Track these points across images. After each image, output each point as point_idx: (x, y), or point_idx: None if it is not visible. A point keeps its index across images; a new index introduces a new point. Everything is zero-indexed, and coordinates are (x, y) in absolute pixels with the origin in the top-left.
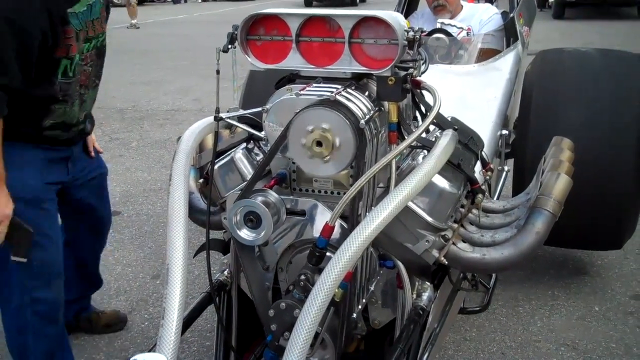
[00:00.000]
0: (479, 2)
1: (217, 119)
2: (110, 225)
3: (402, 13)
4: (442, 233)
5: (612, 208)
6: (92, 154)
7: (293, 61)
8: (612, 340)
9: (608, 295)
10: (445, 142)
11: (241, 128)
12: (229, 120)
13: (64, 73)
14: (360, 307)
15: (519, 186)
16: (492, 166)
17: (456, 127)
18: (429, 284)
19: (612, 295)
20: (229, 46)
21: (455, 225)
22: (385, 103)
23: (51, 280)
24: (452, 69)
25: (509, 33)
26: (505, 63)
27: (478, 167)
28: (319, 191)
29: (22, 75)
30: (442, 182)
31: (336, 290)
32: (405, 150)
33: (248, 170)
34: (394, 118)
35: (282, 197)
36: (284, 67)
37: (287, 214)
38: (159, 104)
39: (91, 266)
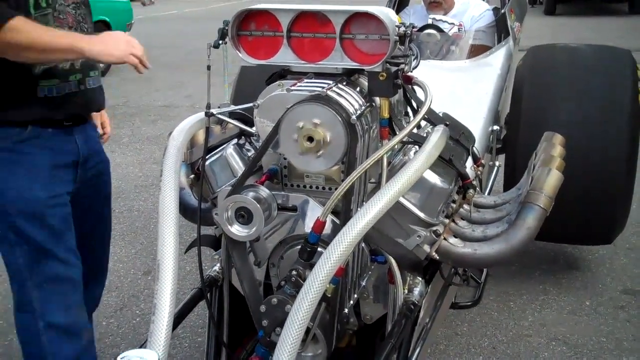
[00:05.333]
0: None
1: (208, 114)
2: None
3: (393, 9)
4: (434, 228)
5: (602, 203)
6: (106, 135)
7: (284, 57)
8: (603, 334)
9: (599, 290)
10: (436, 137)
11: (232, 124)
12: (220, 116)
13: (35, 4)
14: (351, 302)
15: (510, 181)
16: (483, 161)
17: (447, 122)
18: (420, 279)
19: (602, 289)
20: (220, 42)
21: (447, 221)
22: (377, 99)
23: (67, 304)
24: (443, 64)
25: (500, 29)
26: (496, 59)
27: (469, 162)
28: (311, 187)
29: None
30: (433, 178)
31: (328, 286)
32: (396, 146)
33: (239, 166)
34: (385, 114)
35: (273, 192)
36: (275, 62)
37: (279, 209)
38: (151, 100)
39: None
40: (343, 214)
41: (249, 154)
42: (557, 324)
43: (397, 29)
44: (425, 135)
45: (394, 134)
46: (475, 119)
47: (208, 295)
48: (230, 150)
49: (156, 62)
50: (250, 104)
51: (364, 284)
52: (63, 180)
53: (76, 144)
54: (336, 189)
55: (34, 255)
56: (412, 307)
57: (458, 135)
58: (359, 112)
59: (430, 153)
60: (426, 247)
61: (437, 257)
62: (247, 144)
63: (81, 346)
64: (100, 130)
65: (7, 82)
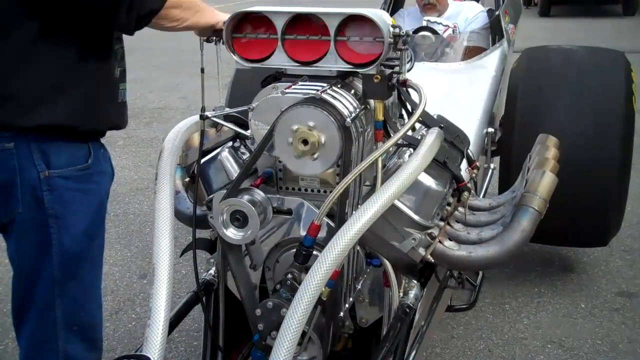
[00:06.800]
0: (464, 0)
1: (203, 117)
2: None
3: (387, 11)
4: (429, 231)
5: (597, 205)
6: None
7: (279, 59)
8: (598, 336)
9: (594, 292)
10: (431, 140)
11: (227, 127)
12: (214, 119)
13: None
14: (347, 305)
15: (504, 184)
16: (478, 164)
17: (442, 125)
18: (415, 282)
19: (597, 292)
20: (213, 38)
21: (442, 223)
22: (371, 101)
23: (85, 335)
24: (438, 66)
25: (494, 31)
26: (491, 61)
27: (464, 165)
28: (306, 190)
29: None
30: (428, 180)
31: (323, 289)
32: (391, 149)
33: (234, 169)
34: (380, 116)
35: (268, 195)
36: (269, 65)
37: (274, 212)
38: (145, 102)
39: None
40: (338, 217)
41: (244, 157)
42: (552, 326)
43: (391, 31)
44: (419, 137)
45: (389, 136)
46: (470, 121)
47: (204, 299)
48: (225, 153)
49: (150, 64)
50: (245, 107)
51: (359, 287)
52: None
53: None
54: (331, 192)
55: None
56: (408, 310)
57: (453, 137)
58: (353, 114)
59: (425, 156)
60: (421, 250)
61: (432, 260)
62: (242, 146)
63: None
64: None
65: (93, 85)
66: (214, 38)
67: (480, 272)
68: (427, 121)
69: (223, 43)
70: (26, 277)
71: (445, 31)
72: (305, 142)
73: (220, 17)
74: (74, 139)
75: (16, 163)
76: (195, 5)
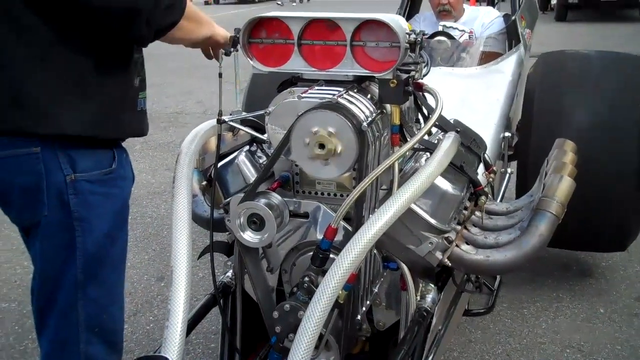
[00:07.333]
0: (480, 5)
1: (220, 121)
2: None
3: (403, 16)
4: (446, 235)
5: (615, 210)
6: None
7: (295, 64)
8: (618, 342)
9: (613, 297)
10: (447, 144)
11: (244, 131)
12: (231, 123)
13: None
14: (364, 308)
15: (522, 188)
16: (494, 168)
17: (458, 129)
18: (432, 285)
19: (617, 297)
20: (231, 49)
21: (459, 227)
22: (388, 106)
23: (106, 337)
24: (454, 71)
25: (511, 36)
26: (507, 66)
27: (481, 169)
28: (322, 193)
29: None
30: (444, 184)
31: (340, 292)
32: (407, 153)
33: (251, 173)
34: (396, 120)
35: (285, 199)
36: (286, 70)
37: (291, 216)
38: (162, 106)
39: None
40: (355, 220)
41: (261, 160)
42: (571, 331)
43: (407, 36)
44: (436, 142)
45: (405, 140)
46: (487, 125)
47: (221, 301)
48: (242, 157)
49: (166, 69)
50: (262, 111)
51: (376, 290)
52: None
53: None
54: (348, 195)
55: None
56: (425, 314)
57: (469, 142)
58: (369, 119)
59: (442, 160)
60: (438, 254)
61: (450, 264)
62: (258, 150)
63: None
64: None
65: (112, 94)
66: (232, 50)
67: (498, 277)
68: (444, 125)
69: (238, 50)
70: (49, 279)
71: (461, 36)
72: (321, 146)
73: (216, 29)
74: (97, 145)
75: (42, 167)
76: (199, 16)
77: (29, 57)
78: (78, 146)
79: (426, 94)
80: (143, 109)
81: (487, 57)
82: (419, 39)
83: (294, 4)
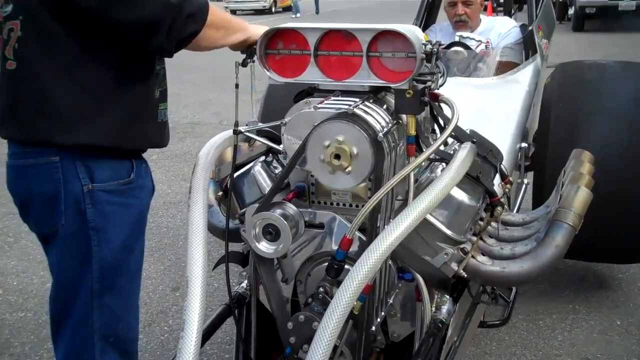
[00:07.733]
0: (497, 16)
1: (236, 132)
2: None
3: (420, 26)
4: (461, 246)
5: (632, 221)
6: None
7: (311, 75)
8: (635, 354)
9: (630, 309)
10: (463, 154)
11: (260, 141)
12: (247, 134)
13: None
14: (379, 320)
15: (538, 199)
16: (511, 179)
17: (475, 139)
18: (448, 297)
19: (634, 309)
20: (248, 60)
21: (474, 238)
22: (404, 116)
23: (121, 347)
24: (470, 81)
25: (527, 46)
26: (524, 76)
27: (497, 180)
28: (338, 204)
29: None
30: (460, 195)
31: (355, 303)
32: (423, 163)
33: (267, 183)
34: (412, 131)
35: (300, 209)
36: (302, 80)
37: (306, 226)
38: (179, 117)
39: None
40: (370, 231)
41: (277, 171)
42: (587, 343)
43: (423, 46)
44: (452, 152)
45: (421, 151)
46: (503, 136)
47: (236, 311)
48: (257, 167)
49: (183, 79)
50: (278, 122)
51: (391, 301)
52: None
53: None
54: (363, 206)
55: None
56: (440, 325)
57: (485, 152)
58: (385, 129)
59: (458, 170)
60: (454, 265)
61: (465, 275)
62: (274, 161)
63: None
64: None
65: (132, 105)
66: (249, 60)
67: (514, 288)
68: (460, 136)
69: (254, 61)
70: (66, 288)
71: (477, 46)
72: (337, 156)
73: (252, 31)
74: (116, 155)
75: (61, 176)
76: (227, 22)
77: (56, 69)
78: (97, 156)
79: (442, 104)
80: (163, 120)
81: (504, 67)
82: (435, 50)
83: (293, 16)
